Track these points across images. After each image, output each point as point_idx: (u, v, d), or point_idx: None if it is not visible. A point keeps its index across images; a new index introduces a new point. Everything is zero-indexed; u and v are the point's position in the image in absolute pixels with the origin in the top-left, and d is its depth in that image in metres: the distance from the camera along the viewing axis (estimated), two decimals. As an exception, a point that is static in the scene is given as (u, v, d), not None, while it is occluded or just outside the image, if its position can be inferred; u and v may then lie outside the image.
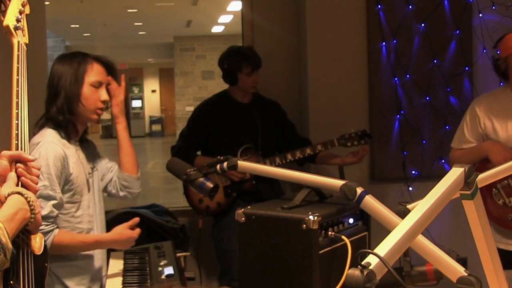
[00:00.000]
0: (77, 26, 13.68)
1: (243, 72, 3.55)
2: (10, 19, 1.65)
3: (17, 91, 1.56)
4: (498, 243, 2.80)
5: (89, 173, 2.39)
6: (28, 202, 1.49)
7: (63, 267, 2.28)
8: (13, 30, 1.65)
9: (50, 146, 2.21)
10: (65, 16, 11.46)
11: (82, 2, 10.21)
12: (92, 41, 14.64)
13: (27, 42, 1.67)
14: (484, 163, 2.83)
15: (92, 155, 2.47)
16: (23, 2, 1.72)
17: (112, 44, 14.92)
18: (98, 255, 2.41)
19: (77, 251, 2.30)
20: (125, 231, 2.34)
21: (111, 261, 2.48)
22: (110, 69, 2.41)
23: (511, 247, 2.81)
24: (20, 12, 1.69)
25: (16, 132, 1.52)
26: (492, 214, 2.81)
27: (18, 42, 1.64)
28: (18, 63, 1.61)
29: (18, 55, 1.62)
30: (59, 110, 2.28)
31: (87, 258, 2.35)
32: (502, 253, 2.64)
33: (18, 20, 1.68)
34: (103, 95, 2.34)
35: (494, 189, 2.81)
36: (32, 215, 1.50)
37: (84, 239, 2.29)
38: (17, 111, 1.54)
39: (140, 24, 13.78)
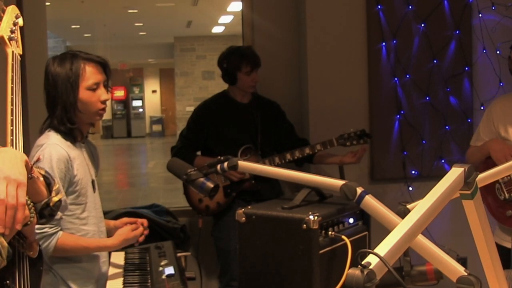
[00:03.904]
0: (78, 26, 13.71)
1: (242, 71, 3.55)
2: (4, 30, 1.70)
3: (12, 98, 1.61)
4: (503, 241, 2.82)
5: (94, 174, 2.39)
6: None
7: (67, 268, 2.26)
8: (7, 41, 1.70)
9: (53, 148, 2.19)
10: (66, 17, 11.47)
11: (82, 3, 10.22)
12: (93, 42, 14.68)
13: (21, 53, 1.73)
14: (489, 160, 2.85)
15: (94, 155, 2.46)
16: (17, 14, 1.77)
17: (112, 45, 14.95)
18: (104, 258, 2.40)
19: (80, 254, 2.29)
20: (129, 235, 2.30)
21: (112, 261, 2.48)
22: (104, 66, 2.32)
23: (505, 243, 2.83)
24: (14, 24, 1.74)
25: (11, 137, 1.55)
26: (493, 209, 2.83)
27: (13, 52, 1.69)
28: (12, 72, 1.64)
29: (12, 64, 1.66)
30: (59, 121, 2.24)
31: (92, 260, 2.33)
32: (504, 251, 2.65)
33: (12, 32, 1.72)
34: (103, 95, 2.29)
35: (497, 184, 2.82)
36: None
37: (87, 243, 2.26)
38: (12, 117, 1.58)
39: (141, 24, 13.79)
